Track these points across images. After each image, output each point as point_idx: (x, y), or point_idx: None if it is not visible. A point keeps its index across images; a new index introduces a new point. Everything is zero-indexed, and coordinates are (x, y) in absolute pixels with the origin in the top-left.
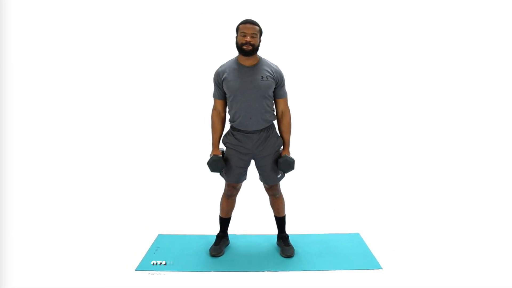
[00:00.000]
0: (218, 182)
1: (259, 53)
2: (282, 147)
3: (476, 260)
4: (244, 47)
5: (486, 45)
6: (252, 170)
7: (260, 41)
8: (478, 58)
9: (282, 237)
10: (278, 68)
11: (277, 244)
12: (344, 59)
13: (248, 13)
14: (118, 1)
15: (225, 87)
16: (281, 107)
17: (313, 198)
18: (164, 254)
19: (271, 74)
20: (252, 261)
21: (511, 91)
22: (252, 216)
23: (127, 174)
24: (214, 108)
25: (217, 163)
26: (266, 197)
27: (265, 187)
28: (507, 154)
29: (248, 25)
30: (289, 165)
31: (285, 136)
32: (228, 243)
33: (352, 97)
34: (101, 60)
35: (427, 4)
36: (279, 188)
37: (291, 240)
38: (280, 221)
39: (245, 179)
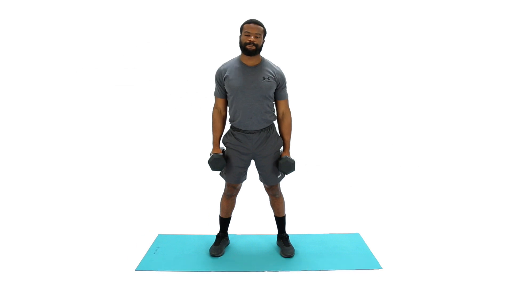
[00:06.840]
0: (218, 182)
1: (262, 53)
2: (282, 147)
3: (476, 260)
4: (248, 46)
5: (486, 46)
6: (252, 170)
7: (263, 41)
8: (477, 59)
9: (282, 237)
10: (280, 70)
11: (277, 244)
12: (345, 61)
13: (251, 13)
14: (120, 1)
15: (226, 86)
16: (282, 108)
17: (313, 198)
18: (164, 254)
19: (272, 75)
20: (252, 261)
21: (510, 91)
22: (252, 216)
23: (127, 175)
24: (215, 107)
25: (218, 162)
26: (266, 197)
27: (265, 187)
28: (506, 154)
29: (252, 25)
30: (290, 166)
31: (285, 137)
32: (228, 243)
33: (352, 98)
34: (102, 59)
35: (427, 4)
36: (279, 188)
37: (291, 240)
38: (280, 221)
39: (245, 179)
